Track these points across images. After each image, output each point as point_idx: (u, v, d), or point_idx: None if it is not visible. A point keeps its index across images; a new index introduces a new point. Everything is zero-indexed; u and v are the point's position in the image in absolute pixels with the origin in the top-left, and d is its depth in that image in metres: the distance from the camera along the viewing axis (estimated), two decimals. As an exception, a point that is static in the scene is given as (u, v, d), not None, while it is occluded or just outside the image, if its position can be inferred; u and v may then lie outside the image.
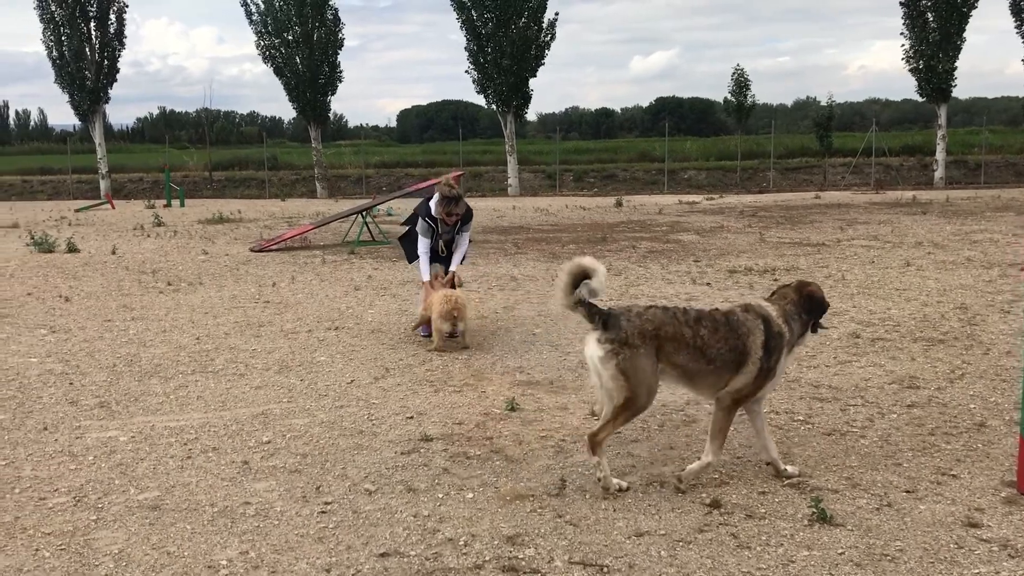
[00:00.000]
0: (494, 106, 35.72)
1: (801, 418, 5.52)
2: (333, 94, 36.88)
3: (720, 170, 38.91)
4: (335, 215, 18.45)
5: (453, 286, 8.02)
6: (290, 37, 35.65)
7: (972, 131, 47.49)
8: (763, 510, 4.14)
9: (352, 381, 6.59)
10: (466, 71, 35.55)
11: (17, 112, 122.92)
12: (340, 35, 36.22)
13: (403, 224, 8.54)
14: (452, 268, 8.16)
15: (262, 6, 35.61)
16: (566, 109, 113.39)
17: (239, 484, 4.57)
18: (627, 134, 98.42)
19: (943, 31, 32.51)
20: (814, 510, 4.01)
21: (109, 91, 38.37)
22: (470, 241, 8.53)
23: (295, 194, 38.50)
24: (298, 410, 5.88)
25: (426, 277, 8.03)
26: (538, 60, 34.62)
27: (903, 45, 33.59)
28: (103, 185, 38.66)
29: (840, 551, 3.71)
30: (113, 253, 15.35)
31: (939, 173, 34.35)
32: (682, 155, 43.06)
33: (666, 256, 13.89)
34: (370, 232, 17.12)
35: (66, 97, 38.19)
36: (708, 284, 10.96)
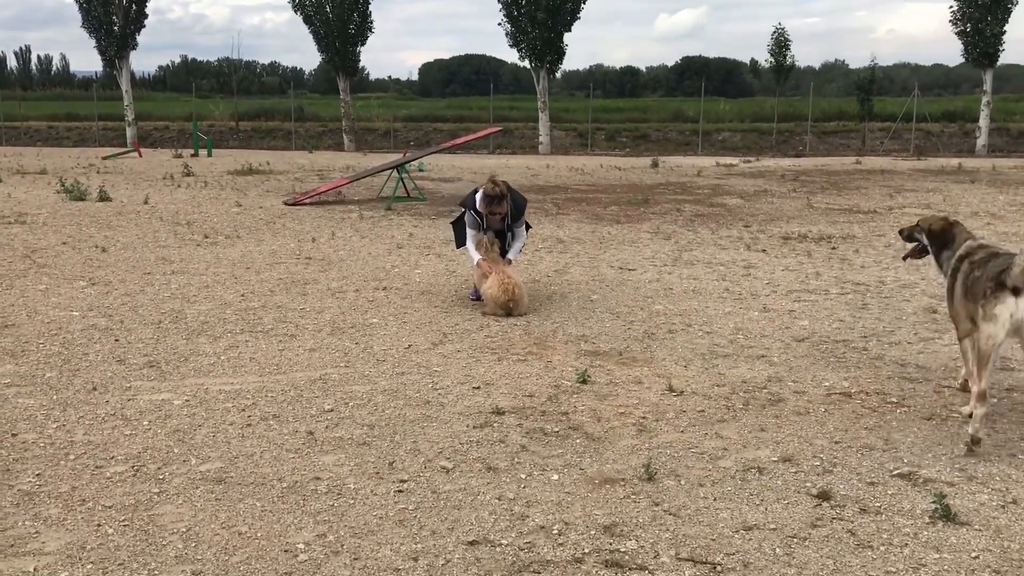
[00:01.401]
0: (527, 61, 35.00)
1: (895, 400, 5.17)
2: (363, 45, 36.27)
3: (755, 132, 38.11)
4: (370, 170, 18.06)
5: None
6: (320, -15, 35.01)
7: (1009, 98, 46.38)
8: (877, 504, 3.81)
9: (409, 346, 6.28)
10: (499, 24, 34.86)
11: (39, 57, 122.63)
12: (372, -16, 35.53)
13: (460, 205, 8.11)
14: (510, 256, 7.77)
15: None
16: (590, 67, 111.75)
17: (306, 456, 4.29)
18: (652, 93, 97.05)
19: (993, -7, 31.43)
20: (936, 506, 3.68)
21: (136, 37, 37.95)
22: (528, 226, 8.19)
23: (322, 146, 38.05)
24: (357, 376, 5.59)
25: (475, 259, 7.64)
26: (573, 14, 33.80)
27: (951, 7, 32.55)
28: (129, 133, 38.35)
29: (974, 555, 3.38)
30: (145, 203, 15.08)
31: (982, 140, 33.46)
32: (715, 116, 42.25)
33: (714, 220, 13.46)
34: (405, 188, 16.74)
35: (92, 42, 37.83)
36: (763, 251, 10.55)
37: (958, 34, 32.83)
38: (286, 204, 15.36)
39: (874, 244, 11.08)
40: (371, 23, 36.14)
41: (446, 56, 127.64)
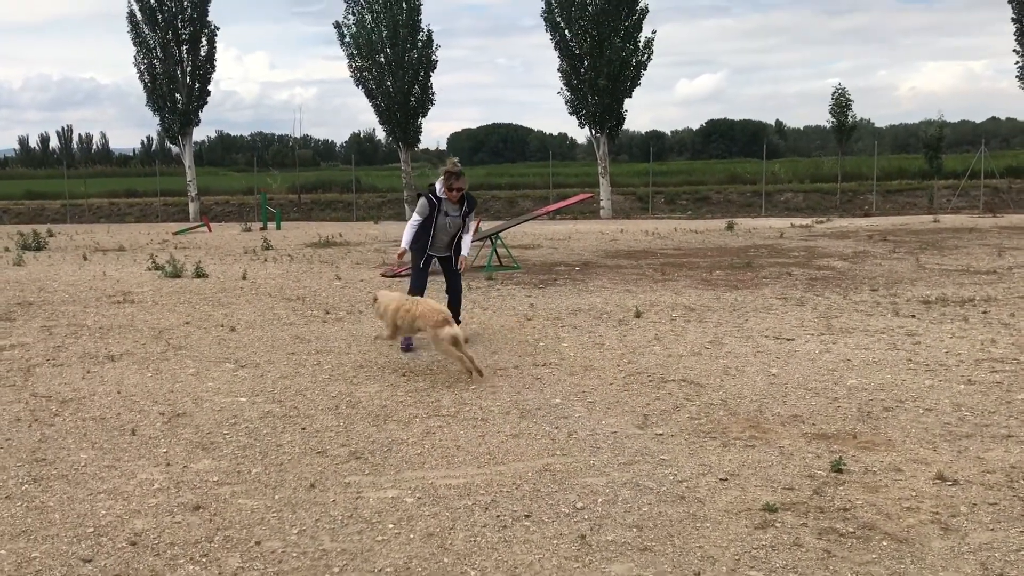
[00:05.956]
0: (587, 128, 35.07)
1: None
2: (424, 116, 36.58)
3: (817, 192, 37.70)
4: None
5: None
6: (382, 59, 35.45)
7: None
8: None
9: (615, 431, 5.85)
10: (558, 92, 35.05)
11: (80, 136, 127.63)
12: (434, 57, 35.91)
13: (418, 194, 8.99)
14: (464, 253, 8.80)
15: (354, 29, 35.48)
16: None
17: (595, 568, 3.84)
18: (677, 157, 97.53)
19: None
20: None
21: (200, 113, 38.66)
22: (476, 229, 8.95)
23: (383, 216, 38.23)
24: (582, 466, 5.16)
25: (403, 245, 8.74)
26: (634, 80, 33.92)
27: (1017, 63, 32.23)
28: (193, 208, 38.82)
29: None
30: (244, 278, 14.92)
31: (1055, 196, 32.76)
32: (771, 178, 41.95)
33: (834, 284, 12.97)
34: (498, 258, 16.49)
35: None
36: (913, 316, 10.04)
37: (1025, 89, 32.41)
38: (385, 276, 15.12)
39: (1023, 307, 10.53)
40: (432, 94, 36.50)
41: (472, 126, 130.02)
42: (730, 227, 25.68)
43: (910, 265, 15.29)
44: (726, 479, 4.91)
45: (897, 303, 11.02)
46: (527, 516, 4.41)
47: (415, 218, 8.68)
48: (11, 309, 11.62)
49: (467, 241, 8.80)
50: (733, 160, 67.76)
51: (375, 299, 8.24)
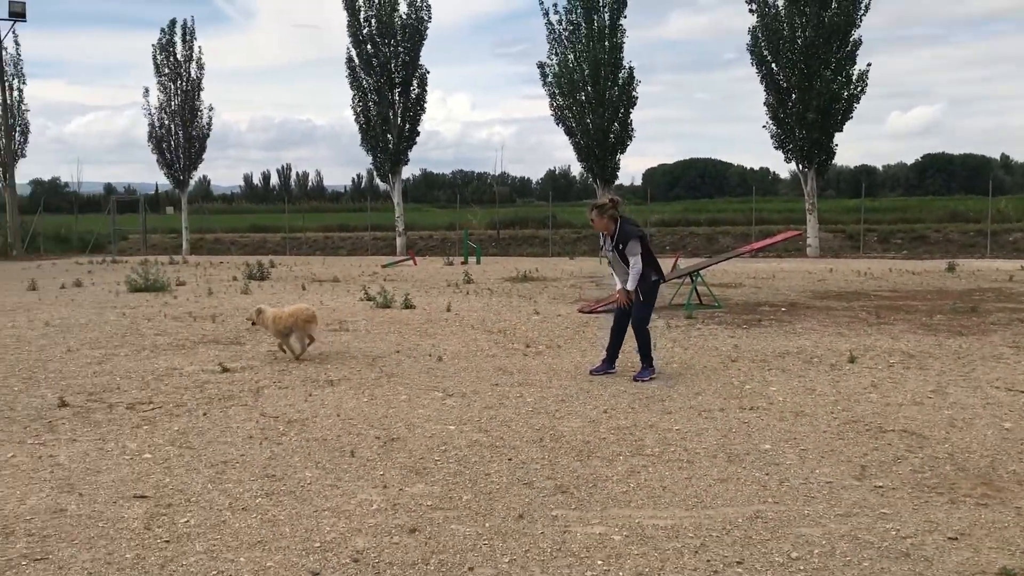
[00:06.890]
0: (793, 163, 33.98)
1: None
2: (623, 152, 36.72)
3: (1052, 232, 34.66)
4: (668, 276, 17.70)
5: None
6: (583, 97, 35.97)
7: None
8: None
9: (831, 481, 5.59)
10: (763, 126, 34.22)
11: (297, 174, 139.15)
12: (634, 93, 36.07)
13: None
14: (628, 287, 9.01)
15: (557, 68, 36.25)
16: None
17: (811, 621, 3.68)
18: (890, 193, 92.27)
19: None
20: None
21: (409, 153, 40.56)
22: (642, 262, 8.95)
23: (577, 252, 38.55)
24: (796, 516, 4.95)
25: (616, 286, 9.27)
26: (846, 114, 32.58)
27: None
28: (400, 242, 40.67)
29: None
30: (448, 310, 15.46)
31: None
32: (997, 215, 38.94)
33: (1074, 333, 11.84)
34: (698, 295, 16.21)
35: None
36: None
37: None
38: (582, 312, 15.23)
39: None
40: (631, 131, 36.59)
41: (669, 161, 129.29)
42: (951, 268, 24.06)
43: None
44: (956, 538, 4.57)
45: None
46: (739, 563, 4.29)
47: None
48: (240, 334, 12.61)
49: (631, 277, 8.97)
50: (952, 197, 63.76)
51: (260, 311, 10.20)
